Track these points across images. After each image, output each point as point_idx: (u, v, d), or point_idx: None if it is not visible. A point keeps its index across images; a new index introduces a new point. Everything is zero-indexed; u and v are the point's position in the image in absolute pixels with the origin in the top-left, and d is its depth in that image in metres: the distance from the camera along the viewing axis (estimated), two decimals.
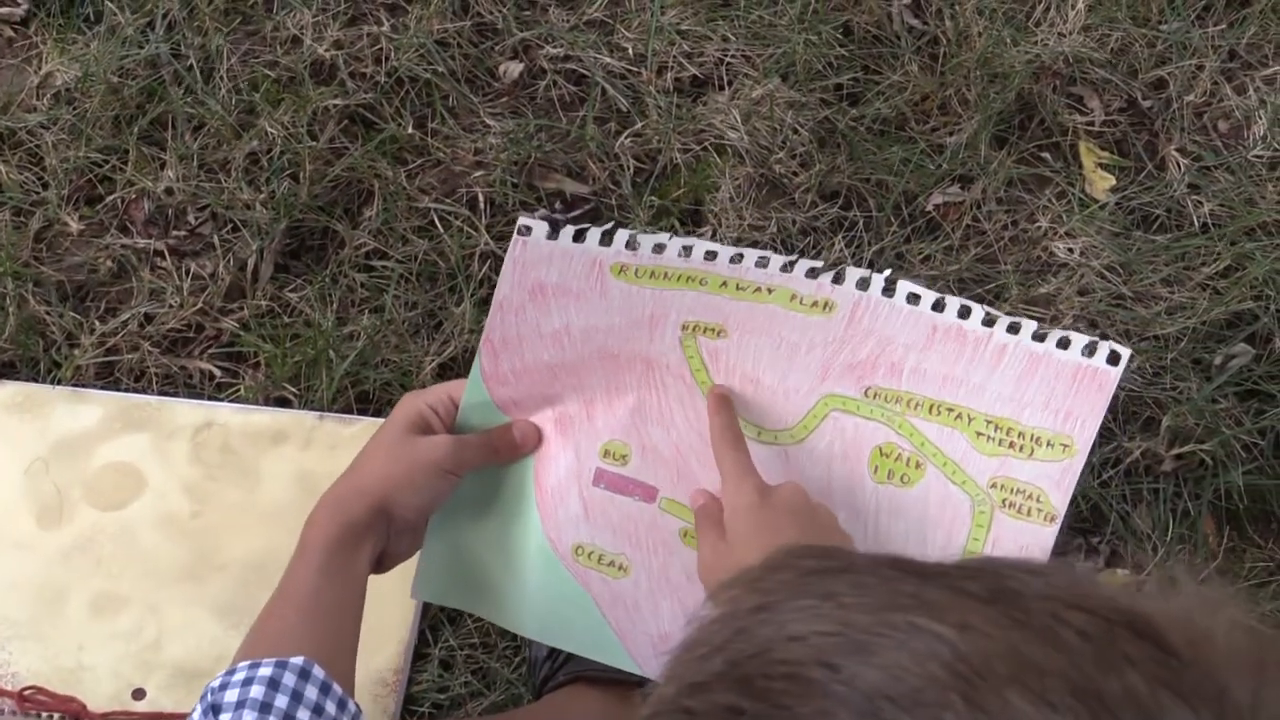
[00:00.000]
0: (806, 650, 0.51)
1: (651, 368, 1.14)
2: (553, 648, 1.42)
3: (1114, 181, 1.82)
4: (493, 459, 1.16)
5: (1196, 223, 1.79)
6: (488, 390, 1.14)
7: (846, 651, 0.51)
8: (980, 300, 1.14)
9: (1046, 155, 1.83)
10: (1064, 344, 1.09)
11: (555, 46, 1.82)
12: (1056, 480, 1.11)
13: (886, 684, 0.49)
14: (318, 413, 1.59)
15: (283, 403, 1.62)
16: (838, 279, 1.09)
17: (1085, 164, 1.83)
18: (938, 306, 1.09)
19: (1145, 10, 1.90)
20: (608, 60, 1.81)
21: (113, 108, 1.74)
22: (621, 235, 1.07)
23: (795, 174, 1.76)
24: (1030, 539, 1.12)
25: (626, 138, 1.77)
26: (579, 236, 1.07)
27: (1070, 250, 1.76)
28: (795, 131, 1.77)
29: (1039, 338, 1.09)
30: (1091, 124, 1.85)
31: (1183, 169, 1.82)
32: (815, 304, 1.10)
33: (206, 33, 1.78)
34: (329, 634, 1.07)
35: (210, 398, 1.61)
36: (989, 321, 1.09)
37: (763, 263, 1.08)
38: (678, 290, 1.10)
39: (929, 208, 1.78)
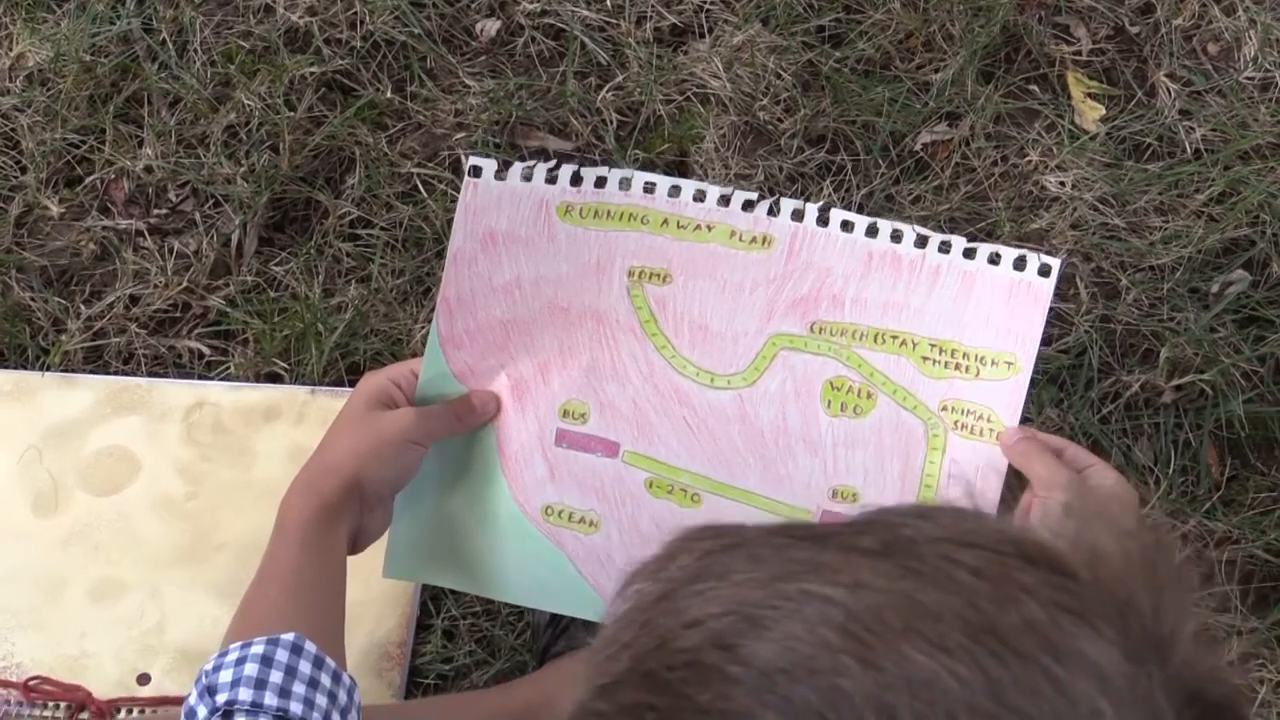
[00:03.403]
0: (702, 635, 0.51)
1: (602, 323, 1.16)
2: (554, 614, 1.42)
3: (1104, 111, 1.79)
4: (457, 427, 1.18)
5: (1189, 149, 1.77)
6: (445, 357, 1.17)
7: (741, 630, 0.50)
8: (973, 239, 1.13)
9: (1034, 88, 1.81)
10: (994, 259, 1.11)
11: (532, 2, 1.80)
12: (1005, 399, 1.13)
13: (780, 657, 0.48)
14: (309, 387, 1.58)
15: (274, 378, 1.60)
16: (773, 210, 1.12)
17: (1074, 95, 1.81)
18: (871, 232, 1.12)
19: None
20: (585, 13, 1.79)
21: (87, 87, 1.73)
22: (566, 170, 1.11)
23: (780, 120, 1.74)
24: (984, 458, 1.13)
25: (608, 91, 1.75)
26: (526, 174, 1.11)
27: (1062, 184, 1.73)
28: (778, 77, 1.75)
29: (969, 254, 1.11)
30: (1079, 54, 1.83)
31: (1173, 95, 1.80)
32: (754, 240, 1.13)
33: (178, 5, 1.76)
34: (316, 610, 1.08)
35: (200, 377, 1.60)
36: (921, 243, 1.11)
37: (700, 196, 1.12)
38: (621, 231, 1.13)
39: (917, 147, 1.76)
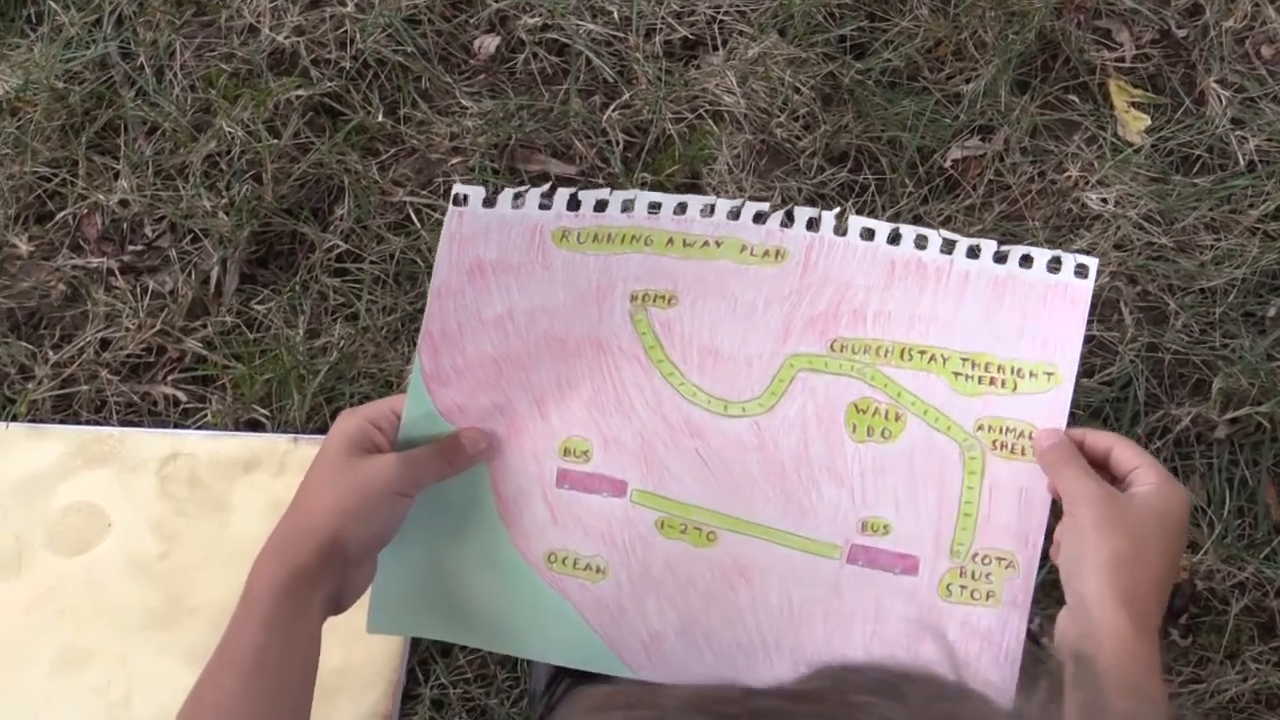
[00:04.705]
0: None
1: (603, 351, 1.08)
2: (551, 678, 1.32)
3: (1149, 121, 1.67)
4: (446, 470, 1.07)
5: (1242, 161, 1.64)
6: (430, 395, 1.07)
7: None
8: (1005, 243, 1.03)
9: (1074, 98, 1.68)
10: (1027, 262, 1.03)
11: (534, 15, 1.69)
12: (1047, 413, 1.05)
13: None
14: (291, 435, 1.48)
15: (254, 426, 1.50)
16: (787, 221, 1.05)
17: (1116, 104, 1.68)
18: (893, 239, 1.05)
19: None
20: (591, 27, 1.67)
21: (59, 116, 1.63)
22: (562, 195, 1.04)
23: (798, 137, 1.62)
24: (1027, 479, 1.05)
25: (614, 110, 1.64)
26: (518, 200, 1.04)
27: (1104, 200, 1.61)
28: (797, 91, 1.63)
29: (1000, 258, 1.04)
30: (1121, 60, 1.70)
31: (1224, 102, 1.67)
32: (767, 253, 1.06)
33: (158, 26, 1.66)
34: (274, 697, 0.98)
35: (176, 425, 1.51)
36: (948, 248, 1.04)
37: (707, 210, 1.05)
38: (623, 254, 1.06)
39: (947, 164, 1.64)
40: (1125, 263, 1.58)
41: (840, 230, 1.05)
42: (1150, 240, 1.59)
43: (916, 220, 1.60)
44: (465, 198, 1.04)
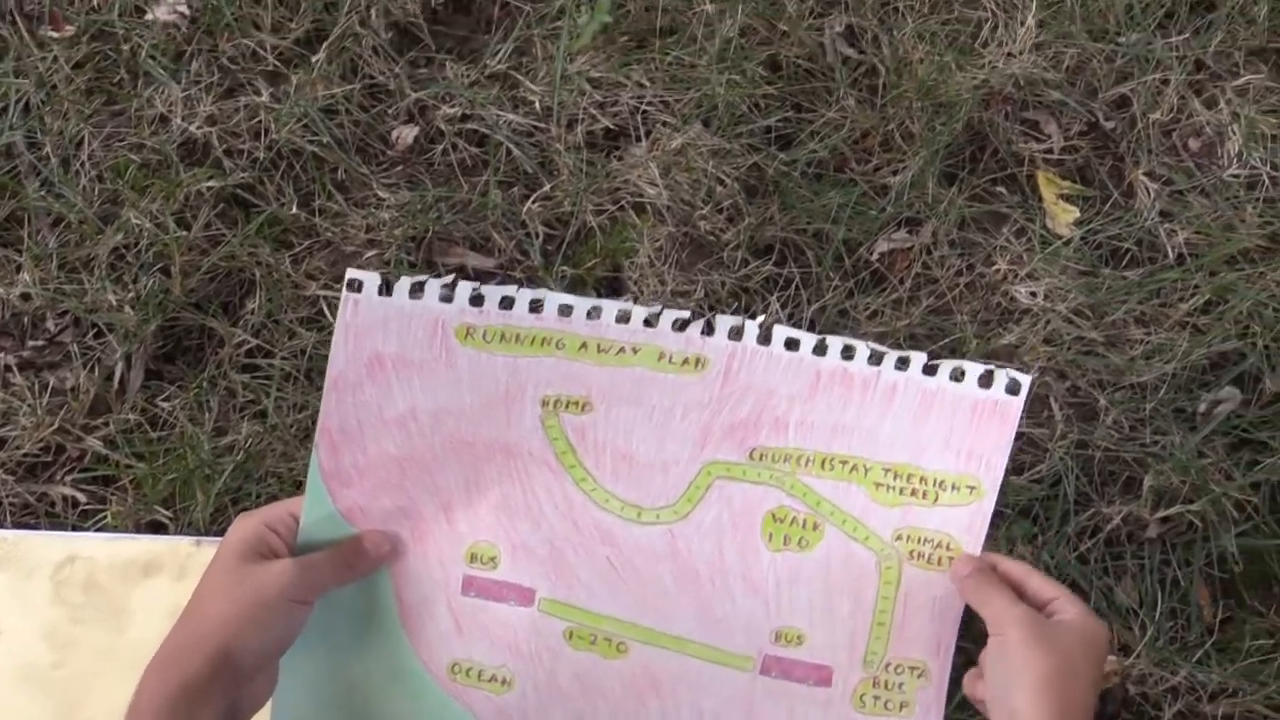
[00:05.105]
0: None
1: (512, 456, 1.05)
2: None
3: (1078, 214, 1.65)
4: (347, 575, 1.03)
5: (1171, 254, 1.62)
6: (330, 496, 1.04)
7: None
8: (935, 355, 1.00)
9: (1002, 189, 1.66)
10: (958, 376, 1.02)
11: (453, 106, 1.65)
12: (966, 525, 1.04)
13: None
14: (194, 538, 1.42)
15: (156, 527, 1.45)
16: (708, 330, 1.03)
17: (1045, 196, 1.66)
18: (819, 350, 1.03)
19: (1101, 22, 1.73)
20: (512, 117, 1.64)
21: None
22: (464, 288, 1.00)
23: (722, 230, 1.59)
24: (942, 588, 1.04)
25: (534, 202, 1.61)
26: (416, 290, 1.00)
27: (1033, 294, 1.58)
28: (721, 183, 1.60)
29: (930, 371, 1.03)
30: (1050, 151, 1.68)
31: (1153, 195, 1.65)
32: (686, 361, 1.03)
33: (66, 115, 1.61)
34: None
35: (74, 527, 1.45)
36: (875, 359, 1.03)
37: (623, 317, 1.02)
38: (533, 356, 1.03)
39: (873, 257, 1.61)
40: (1055, 358, 1.55)
41: (764, 339, 1.03)
42: (1080, 334, 1.56)
43: (842, 315, 1.56)
44: (360, 284, 0.99)
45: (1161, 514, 1.49)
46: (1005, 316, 1.59)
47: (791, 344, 1.03)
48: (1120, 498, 1.50)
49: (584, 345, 1.02)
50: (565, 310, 1.02)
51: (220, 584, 0.98)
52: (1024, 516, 1.49)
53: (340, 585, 1.03)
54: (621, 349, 1.03)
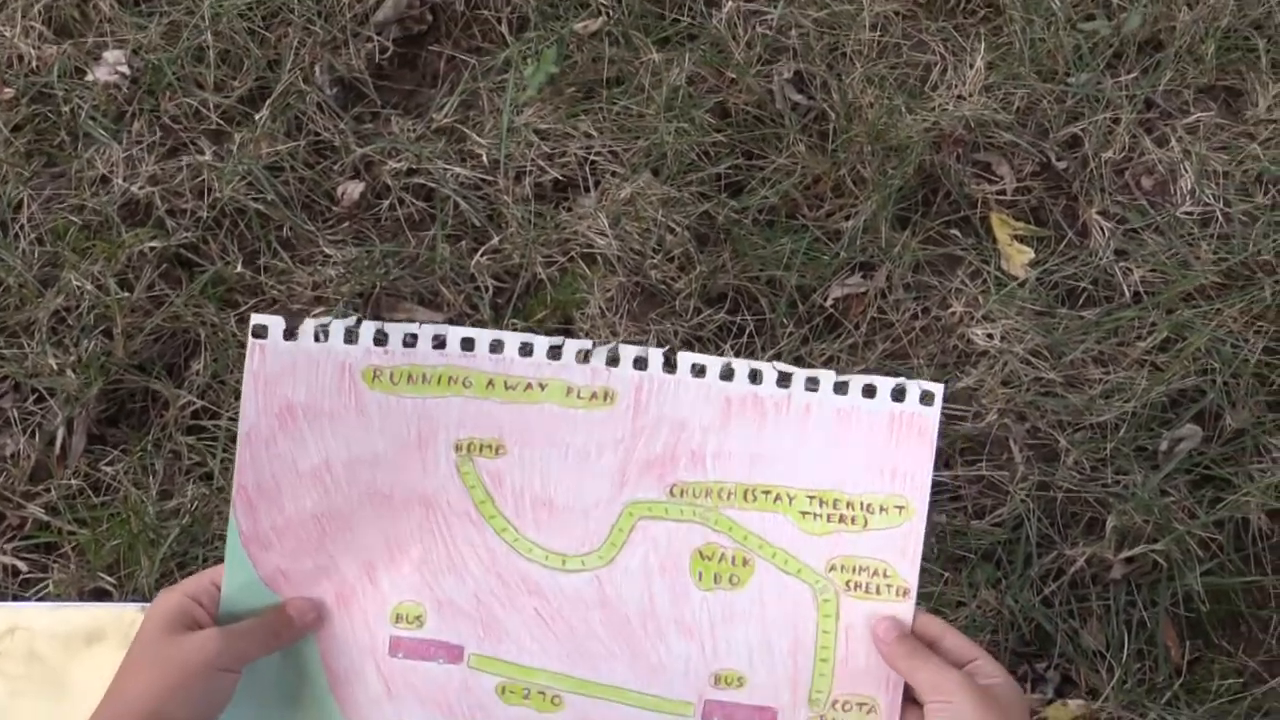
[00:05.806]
0: None
1: (431, 508, 1.01)
2: None
3: (1032, 255, 1.63)
4: (273, 644, 1.00)
5: (1127, 292, 1.61)
6: (250, 560, 1.00)
7: None
8: (845, 373, 0.98)
9: (956, 232, 1.65)
10: (870, 392, 0.98)
11: (400, 160, 1.63)
12: (900, 548, 1.00)
13: None
14: (139, 604, 1.38)
15: (100, 595, 1.42)
16: (612, 361, 0.99)
17: (999, 237, 1.65)
18: (726, 375, 0.99)
19: (1050, 63, 1.72)
20: (459, 170, 1.62)
21: None
22: (368, 327, 0.96)
23: (674, 279, 1.57)
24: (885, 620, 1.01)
25: (483, 255, 1.59)
26: (321, 333, 0.96)
27: (990, 336, 1.57)
28: (671, 231, 1.59)
29: (841, 389, 0.99)
30: (1003, 193, 1.67)
31: (1107, 234, 1.64)
32: (594, 395, 1.00)
33: (5, 178, 1.59)
34: None
35: (15, 597, 1.42)
36: (784, 381, 0.99)
37: (526, 349, 0.99)
38: (441, 397, 0.99)
39: (827, 303, 1.59)
40: (1013, 399, 1.53)
41: (669, 367, 1.00)
42: (1038, 375, 1.55)
43: (798, 361, 1.54)
44: (265, 329, 0.95)
45: (1125, 554, 1.47)
46: (962, 359, 1.57)
47: (698, 370, 1.00)
48: (1083, 539, 1.48)
49: (490, 383, 0.99)
50: (468, 344, 0.98)
51: (146, 657, 0.96)
52: (986, 560, 1.46)
53: (268, 653, 1.01)
54: (529, 385, 1.00)
